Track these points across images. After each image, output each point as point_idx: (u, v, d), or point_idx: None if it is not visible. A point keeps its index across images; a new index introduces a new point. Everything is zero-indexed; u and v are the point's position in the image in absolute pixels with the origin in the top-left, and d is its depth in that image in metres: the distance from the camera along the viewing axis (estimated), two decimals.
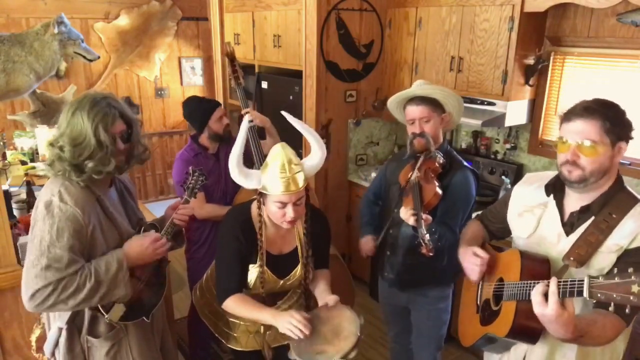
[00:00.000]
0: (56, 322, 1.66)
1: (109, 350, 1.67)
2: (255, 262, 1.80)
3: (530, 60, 2.82)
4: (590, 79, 2.80)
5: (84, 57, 3.52)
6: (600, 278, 1.18)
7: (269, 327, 1.91)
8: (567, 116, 1.42)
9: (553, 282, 1.25)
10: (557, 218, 1.52)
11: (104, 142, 1.52)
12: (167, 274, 1.93)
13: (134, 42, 5.13)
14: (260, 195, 1.74)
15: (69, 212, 1.48)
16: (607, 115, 1.36)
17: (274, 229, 1.83)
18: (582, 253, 1.40)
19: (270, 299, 1.91)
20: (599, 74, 2.76)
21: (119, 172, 1.65)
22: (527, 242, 1.60)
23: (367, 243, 2.25)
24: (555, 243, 1.50)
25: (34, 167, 3.45)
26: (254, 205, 1.80)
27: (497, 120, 2.89)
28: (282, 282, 1.86)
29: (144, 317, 1.72)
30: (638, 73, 2.59)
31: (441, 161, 2.02)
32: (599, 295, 1.17)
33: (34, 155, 3.65)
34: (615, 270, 1.21)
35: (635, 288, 1.11)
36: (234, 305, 1.79)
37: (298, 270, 1.86)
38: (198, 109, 2.63)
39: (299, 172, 1.66)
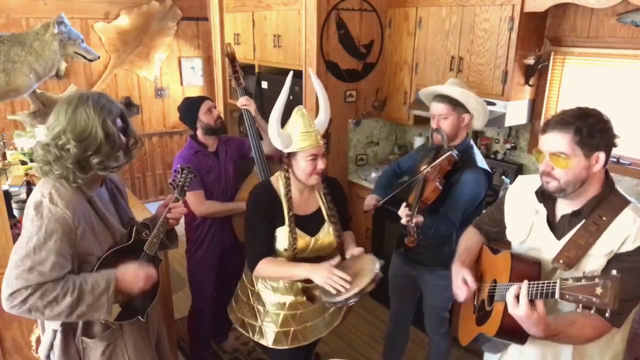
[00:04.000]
0: (50, 324, 1.64)
1: (104, 351, 1.66)
2: (283, 225, 1.93)
3: (530, 60, 2.82)
4: (590, 79, 2.80)
5: (84, 57, 3.51)
6: (570, 280, 1.24)
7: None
8: (544, 127, 1.45)
9: (524, 284, 1.33)
10: (546, 224, 1.54)
11: (112, 134, 1.51)
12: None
13: (134, 42, 5.13)
14: (288, 157, 1.92)
15: (59, 214, 1.45)
16: (580, 128, 1.38)
17: (297, 193, 1.99)
18: (571, 256, 1.42)
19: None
20: (599, 74, 2.76)
21: (118, 169, 1.64)
22: (520, 247, 1.63)
23: (371, 199, 2.44)
24: (547, 248, 1.52)
25: (33, 167, 3.44)
26: (274, 177, 2.01)
27: (497, 120, 2.89)
28: (313, 240, 1.97)
29: (139, 317, 1.71)
30: (638, 73, 2.59)
31: (453, 159, 2.16)
32: (567, 296, 1.23)
33: (34, 155, 3.65)
34: (584, 273, 1.25)
35: (598, 290, 1.17)
36: (266, 266, 1.93)
37: (325, 227, 2.00)
38: (186, 107, 2.66)
39: (317, 130, 1.94)
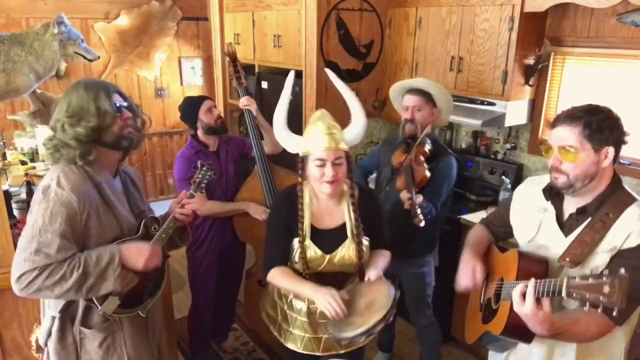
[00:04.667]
0: (50, 310, 1.65)
1: (102, 342, 1.66)
2: (298, 236, 1.81)
3: (530, 60, 2.82)
4: (590, 79, 2.80)
5: (84, 57, 3.52)
6: (577, 279, 1.24)
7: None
8: (553, 122, 1.46)
9: (531, 282, 1.32)
10: (554, 221, 1.54)
11: (103, 106, 1.54)
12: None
13: (134, 42, 5.13)
14: (302, 162, 1.80)
15: (64, 197, 1.48)
16: (589, 122, 1.38)
17: (321, 203, 1.84)
18: (577, 253, 1.42)
19: (326, 281, 1.82)
20: (599, 74, 2.76)
21: (130, 144, 1.65)
22: (528, 245, 1.62)
23: None
24: (555, 246, 1.52)
25: (34, 167, 3.44)
26: (304, 183, 1.85)
27: (497, 120, 2.89)
28: (328, 257, 1.81)
29: (140, 312, 1.70)
30: (638, 73, 2.59)
31: (430, 147, 2.31)
32: (574, 294, 1.23)
33: (34, 155, 3.65)
34: (599, 270, 1.26)
35: (606, 289, 1.17)
36: (276, 276, 1.82)
37: (346, 246, 1.81)
38: (187, 107, 2.66)
39: (337, 133, 1.76)
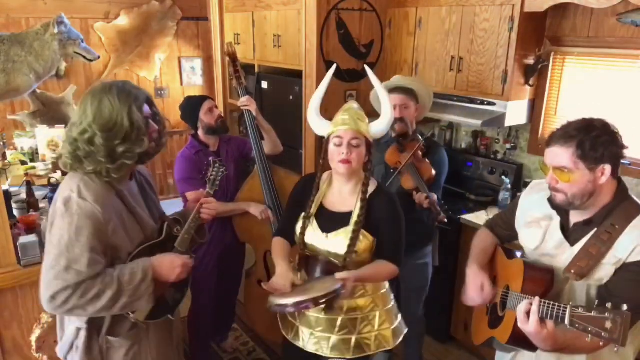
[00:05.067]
0: (73, 322, 1.59)
1: (129, 351, 1.62)
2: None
3: (530, 60, 2.83)
4: (590, 79, 2.80)
5: (84, 57, 3.52)
6: (580, 309, 1.23)
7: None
8: (548, 140, 1.45)
9: (535, 302, 1.33)
10: (559, 230, 1.53)
11: (137, 122, 1.47)
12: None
13: (134, 42, 5.12)
14: (326, 144, 1.86)
15: (88, 209, 1.42)
16: (582, 142, 1.37)
17: (338, 187, 1.90)
18: (582, 265, 1.41)
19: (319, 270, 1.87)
20: (599, 74, 2.76)
21: (150, 158, 1.62)
22: (534, 253, 1.61)
23: None
24: (560, 255, 1.51)
25: (34, 167, 3.44)
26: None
27: (497, 120, 2.89)
28: (323, 235, 1.84)
29: (170, 315, 1.67)
30: (638, 73, 2.59)
31: (422, 142, 2.36)
32: (577, 325, 1.23)
33: (34, 155, 3.65)
34: (596, 302, 1.28)
35: (608, 324, 1.18)
36: (274, 244, 1.95)
37: (343, 232, 1.81)
38: (187, 106, 2.66)
39: (361, 120, 1.84)
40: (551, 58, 2.92)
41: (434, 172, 2.32)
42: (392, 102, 2.35)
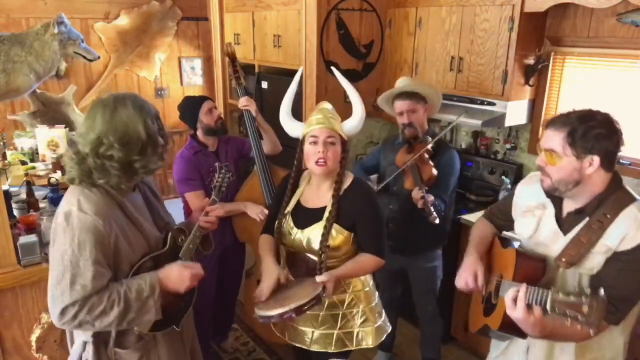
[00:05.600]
0: (80, 336, 1.59)
1: None
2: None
3: (530, 60, 2.82)
4: (590, 79, 2.80)
5: (84, 57, 3.52)
6: (560, 294, 1.27)
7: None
8: (548, 122, 1.48)
9: (522, 289, 1.36)
10: (553, 219, 1.55)
11: (154, 134, 1.46)
12: None
13: (134, 42, 5.12)
14: (301, 144, 1.90)
15: (89, 223, 1.40)
16: (575, 129, 1.39)
17: (315, 185, 1.94)
18: (573, 254, 1.44)
19: (300, 264, 1.92)
20: (599, 74, 2.76)
21: (151, 172, 1.59)
22: (528, 242, 1.63)
23: None
24: (554, 244, 1.53)
25: (34, 167, 3.44)
26: None
27: (497, 120, 2.89)
28: (297, 232, 1.88)
29: (175, 326, 1.66)
30: (638, 73, 2.59)
31: (431, 145, 2.40)
32: (557, 309, 1.27)
33: (34, 155, 3.65)
34: (576, 289, 1.31)
35: (584, 308, 1.21)
36: (260, 241, 2.01)
37: (316, 227, 1.84)
38: (187, 106, 2.66)
39: (334, 118, 1.88)
40: (551, 58, 2.92)
41: (435, 172, 2.34)
42: (398, 109, 2.50)
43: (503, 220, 1.83)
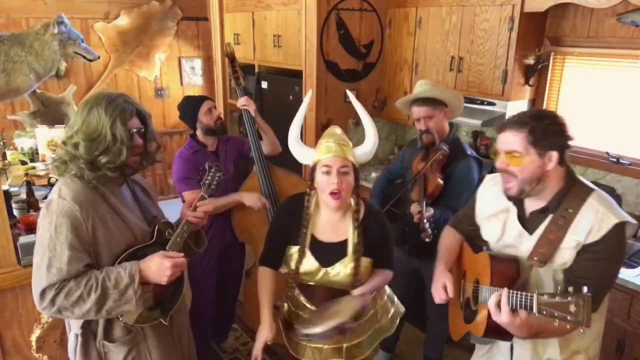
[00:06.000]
0: (72, 329, 1.62)
1: (127, 356, 1.62)
2: (298, 243, 1.81)
3: (530, 60, 2.82)
4: (590, 79, 2.80)
5: (84, 57, 3.52)
6: (545, 296, 1.28)
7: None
8: (501, 126, 1.53)
9: (504, 294, 1.37)
10: (517, 220, 1.59)
11: (120, 136, 1.50)
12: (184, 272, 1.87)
13: (134, 42, 5.12)
14: (312, 172, 1.79)
15: (66, 208, 1.45)
16: (534, 129, 1.44)
17: (325, 215, 1.83)
18: (544, 252, 1.48)
19: (319, 296, 1.88)
20: (599, 74, 2.76)
21: (134, 172, 1.64)
22: (496, 246, 1.66)
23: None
24: (522, 244, 1.57)
25: (34, 167, 3.45)
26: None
27: (497, 120, 2.89)
28: (323, 271, 1.80)
29: (162, 320, 1.66)
30: (638, 73, 2.59)
31: (446, 153, 2.33)
32: (544, 312, 1.28)
33: (34, 155, 3.65)
34: (559, 288, 1.32)
35: (572, 308, 1.22)
36: (260, 276, 1.91)
37: (344, 263, 1.78)
38: (187, 106, 2.65)
39: (346, 145, 1.76)
40: (551, 58, 2.92)
41: (441, 182, 2.31)
42: (415, 116, 2.43)
43: (469, 226, 1.85)
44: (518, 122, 1.48)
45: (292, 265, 1.82)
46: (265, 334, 1.84)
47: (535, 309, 1.29)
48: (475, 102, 3.01)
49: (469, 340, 1.73)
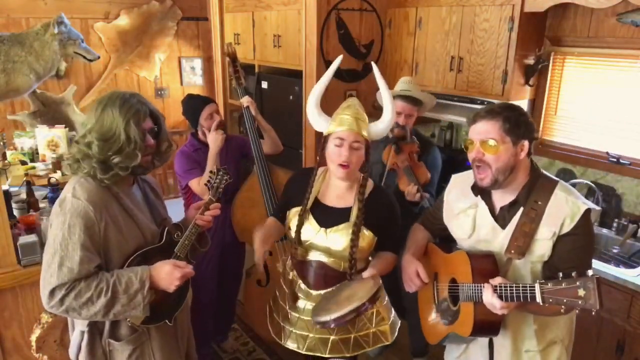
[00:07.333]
0: (78, 325, 1.63)
1: (131, 354, 1.64)
2: (301, 204, 1.86)
3: (530, 60, 2.82)
4: (590, 79, 2.80)
5: (84, 57, 3.52)
6: (549, 284, 1.30)
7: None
8: (474, 118, 1.56)
9: (496, 281, 1.42)
10: (489, 215, 1.61)
11: (134, 137, 1.51)
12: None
13: (134, 42, 5.12)
14: (324, 142, 1.83)
15: (80, 208, 1.46)
16: (508, 117, 1.49)
17: (334, 184, 1.89)
18: (520, 244, 1.50)
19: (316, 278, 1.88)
20: (599, 74, 2.76)
21: (145, 172, 1.65)
22: (469, 242, 1.67)
23: None
24: (495, 239, 1.58)
25: (34, 167, 3.44)
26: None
27: None
28: (322, 230, 1.81)
29: (167, 321, 1.67)
30: (638, 73, 2.59)
31: (417, 144, 2.53)
32: (550, 300, 1.29)
33: (34, 155, 3.65)
34: (561, 275, 1.32)
35: (581, 292, 1.24)
36: (267, 221, 2.01)
37: (343, 227, 1.79)
38: (190, 106, 2.66)
39: (362, 120, 1.80)
40: (551, 58, 2.92)
41: (429, 175, 2.49)
42: (399, 109, 2.51)
43: (436, 224, 1.87)
44: (491, 112, 1.52)
45: (293, 228, 1.85)
46: (260, 248, 1.81)
47: (539, 299, 1.31)
48: (475, 102, 3.01)
49: (444, 341, 1.74)
